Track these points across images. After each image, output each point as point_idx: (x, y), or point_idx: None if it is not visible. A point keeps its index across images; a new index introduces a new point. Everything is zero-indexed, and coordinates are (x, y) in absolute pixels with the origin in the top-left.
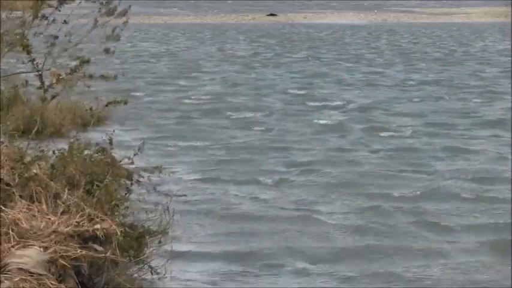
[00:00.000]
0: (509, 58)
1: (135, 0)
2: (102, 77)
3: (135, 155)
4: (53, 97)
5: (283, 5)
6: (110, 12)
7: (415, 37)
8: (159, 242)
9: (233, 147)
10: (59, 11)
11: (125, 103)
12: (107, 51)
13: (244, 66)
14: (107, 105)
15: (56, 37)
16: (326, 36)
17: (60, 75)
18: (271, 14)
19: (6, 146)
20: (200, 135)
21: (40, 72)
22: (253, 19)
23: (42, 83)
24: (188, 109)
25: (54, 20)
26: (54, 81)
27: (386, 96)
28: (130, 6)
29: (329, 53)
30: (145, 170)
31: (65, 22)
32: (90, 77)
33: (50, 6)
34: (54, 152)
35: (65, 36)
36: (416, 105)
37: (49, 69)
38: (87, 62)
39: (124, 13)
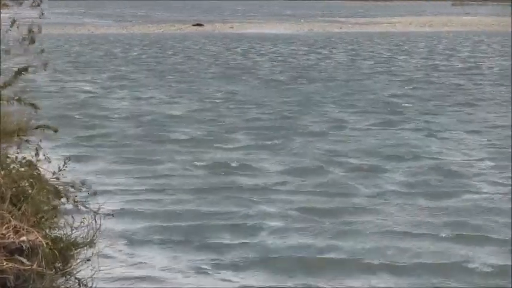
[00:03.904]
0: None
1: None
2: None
3: (60, 170)
4: None
5: (212, 15)
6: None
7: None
8: (86, 253)
9: None
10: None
11: (55, 131)
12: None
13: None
14: (36, 128)
15: None
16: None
17: None
18: (198, 24)
19: None
20: None
21: None
22: (180, 29)
23: None
24: None
25: None
26: None
27: None
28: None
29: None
30: (72, 185)
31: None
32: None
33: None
34: None
35: None
36: None
37: None
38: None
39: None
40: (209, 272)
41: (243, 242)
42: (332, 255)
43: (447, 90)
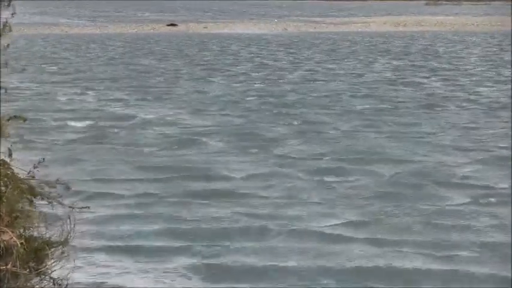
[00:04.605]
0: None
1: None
2: None
3: (35, 167)
4: None
5: (185, 14)
6: None
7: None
8: (61, 253)
9: None
10: None
11: (24, 120)
12: None
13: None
14: (8, 120)
15: None
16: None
17: None
18: (172, 24)
19: None
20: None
21: None
22: (154, 29)
23: None
24: None
25: None
26: None
27: None
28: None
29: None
30: (47, 183)
31: None
32: None
33: None
34: None
35: None
36: None
37: None
38: None
39: None
40: (182, 279)
41: (213, 250)
42: (301, 268)
43: (425, 91)
